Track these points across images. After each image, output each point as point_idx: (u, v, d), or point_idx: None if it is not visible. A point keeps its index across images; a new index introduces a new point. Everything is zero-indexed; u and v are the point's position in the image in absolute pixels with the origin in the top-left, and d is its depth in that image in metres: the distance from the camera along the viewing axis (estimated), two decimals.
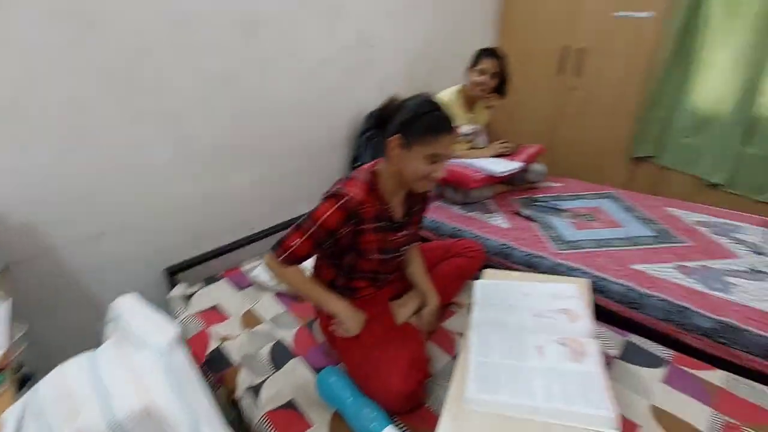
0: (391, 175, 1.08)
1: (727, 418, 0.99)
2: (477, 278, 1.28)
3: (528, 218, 1.86)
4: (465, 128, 2.16)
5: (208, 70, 1.49)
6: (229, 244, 1.69)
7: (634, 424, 0.98)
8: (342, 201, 1.00)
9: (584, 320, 1.00)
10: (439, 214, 1.95)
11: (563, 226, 1.78)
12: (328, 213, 1.00)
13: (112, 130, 1.32)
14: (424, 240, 1.64)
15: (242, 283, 1.57)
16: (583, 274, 1.44)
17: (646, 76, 2.26)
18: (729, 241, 1.60)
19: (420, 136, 0.99)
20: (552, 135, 2.71)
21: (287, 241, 1.03)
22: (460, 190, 1.98)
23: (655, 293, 1.31)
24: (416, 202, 1.21)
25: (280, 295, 1.48)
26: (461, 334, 1.22)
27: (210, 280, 1.59)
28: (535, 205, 1.98)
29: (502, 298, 1.11)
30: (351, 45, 1.94)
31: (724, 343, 1.17)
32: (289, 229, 1.05)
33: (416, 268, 1.30)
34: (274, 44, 1.65)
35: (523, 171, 2.07)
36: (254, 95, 1.65)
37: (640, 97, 2.31)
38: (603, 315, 1.35)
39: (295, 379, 1.14)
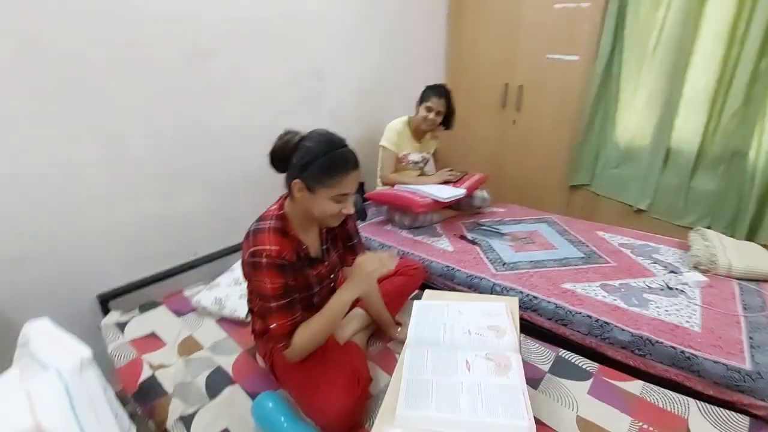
0: (300, 214, 1.07)
1: (642, 424, 1.06)
2: (418, 297, 1.32)
3: (472, 242, 1.94)
4: (414, 156, 2.26)
5: (153, 94, 1.49)
6: (168, 270, 1.64)
7: None
8: (266, 261, 0.98)
9: (510, 336, 1.06)
10: (387, 238, 2.00)
11: (503, 248, 1.87)
12: (269, 280, 0.98)
13: (45, 148, 1.28)
14: None
15: (182, 309, 1.52)
16: (518, 293, 1.52)
17: (578, 112, 2.48)
18: (648, 261, 1.75)
19: (323, 179, 0.98)
20: (497, 163, 2.88)
21: (275, 331, 1.02)
22: (408, 214, 2.05)
23: (581, 310, 1.40)
24: (334, 228, 1.21)
25: (222, 321, 1.45)
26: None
27: (147, 306, 1.54)
28: (479, 229, 2.08)
29: (437, 316, 1.16)
30: (304, 76, 2.01)
31: (641, 355, 1.27)
32: (262, 325, 1.10)
33: None
34: (224, 73, 1.68)
35: (468, 197, 2.18)
36: (202, 121, 1.66)
37: (573, 130, 2.52)
38: (536, 332, 1.43)
39: (231, 408, 1.11)
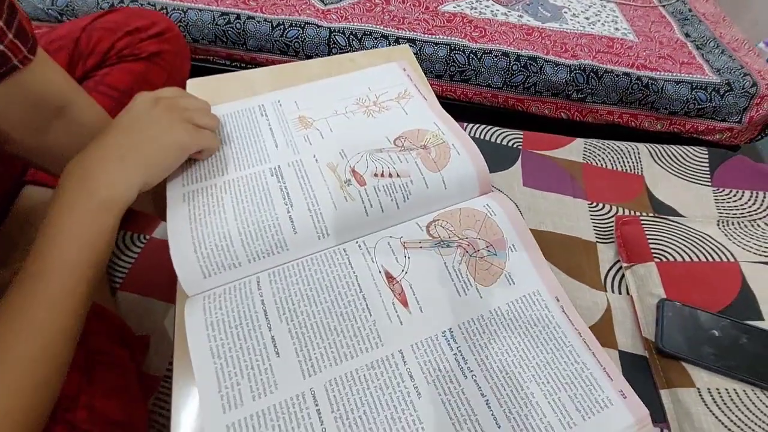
0: None
1: (597, 205, 0.70)
2: None
3: None
4: None
5: None
6: None
7: None
8: None
9: (459, 148, 0.41)
10: None
11: None
12: None
13: None
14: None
15: None
16: (382, 40, 0.79)
17: None
18: None
19: None
20: None
21: None
22: None
23: (493, 46, 0.79)
24: None
25: None
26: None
27: None
28: None
29: (245, 142, 0.39)
30: None
31: (579, 99, 0.81)
32: None
33: None
34: None
35: None
36: None
37: None
38: None
39: None
